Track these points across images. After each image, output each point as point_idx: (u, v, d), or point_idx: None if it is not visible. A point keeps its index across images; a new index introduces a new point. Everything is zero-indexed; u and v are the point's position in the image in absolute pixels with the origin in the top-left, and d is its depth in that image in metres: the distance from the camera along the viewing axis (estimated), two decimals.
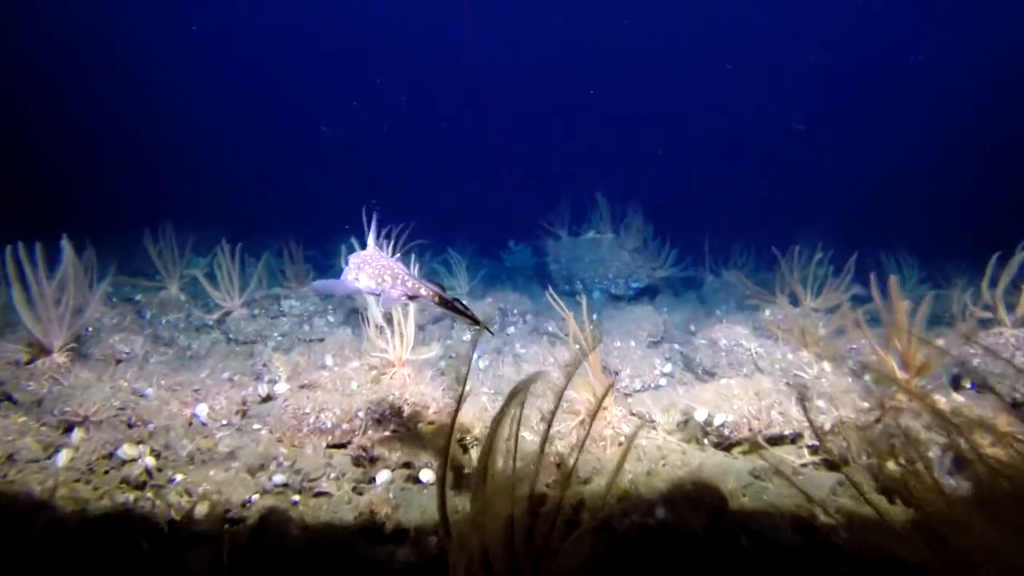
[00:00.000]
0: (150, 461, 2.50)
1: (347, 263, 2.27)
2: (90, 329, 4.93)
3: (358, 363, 4.18)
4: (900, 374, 2.74)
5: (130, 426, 3.05)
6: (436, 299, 2.14)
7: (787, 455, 3.19)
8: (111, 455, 2.55)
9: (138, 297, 6.62)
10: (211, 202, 12.93)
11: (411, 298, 2.18)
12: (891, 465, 2.50)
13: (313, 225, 10.11)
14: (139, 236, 6.93)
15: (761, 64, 16.36)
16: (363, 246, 6.18)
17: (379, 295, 2.15)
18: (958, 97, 15.39)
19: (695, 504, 2.29)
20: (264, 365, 4.23)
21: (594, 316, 7.56)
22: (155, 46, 17.30)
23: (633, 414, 3.85)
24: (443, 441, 3.15)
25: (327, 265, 8.66)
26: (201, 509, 2.20)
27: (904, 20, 15.56)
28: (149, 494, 2.28)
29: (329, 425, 3.08)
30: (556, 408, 2.00)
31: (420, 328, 5.91)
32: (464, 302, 2.18)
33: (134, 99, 16.98)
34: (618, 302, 8.97)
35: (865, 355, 5.43)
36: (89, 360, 4.22)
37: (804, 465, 3.04)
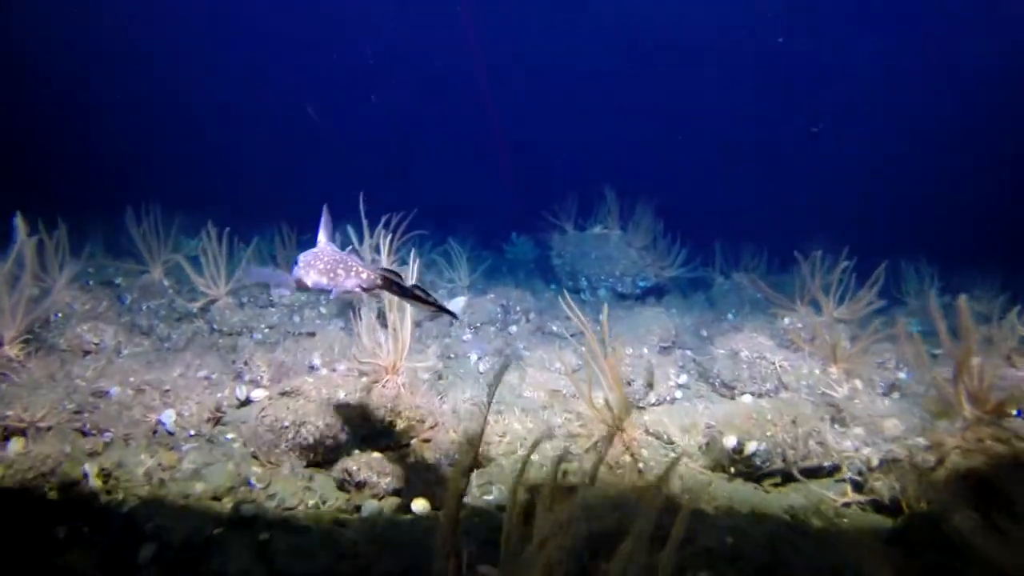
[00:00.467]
0: (95, 484, 2.13)
1: (296, 262, 2.07)
2: (60, 315, 4.55)
3: (348, 366, 3.81)
4: (968, 409, 2.38)
5: (84, 434, 2.68)
6: (394, 289, 1.97)
7: (826, 491, 2.84)
8: (52, 472, 2.18)
9: (119, 280, 6.23)
10: (206, 183, 12.50)
11: (366, 290, 2.01)
12: (961, 518, 2.15)
13: (312, 210, 9.70)
14: (137, 215, 6.50)
15: (778, 63, 15.89)
16: (358, 233, 5.75)
17: (331, 291, 2.00)
18: (976, 100, 14.96)
19: (738, 564, 1.93)
20: (245, 363, 3.85)
21: (600, 316, 7.20)
22: (152, 24, 16.75)
23: (650, 434, 3.48)
24: (440, 468, 2.78)
25: None
26: (147, 551, 1.83)
27: (926, 21, 15.09)
28: (86, 528, 1.91)
29: (311, 441, 2.71)
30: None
31: (417, 324, 5.54)
32: (427, 290, 1.92)
33: (128, 76, 16.46)
34: (624, 301, 8.62)
35: (892, 370, 5.09)
36: (53, 352, 3.84)
37: (847, 505, 2.68)
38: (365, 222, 5.79)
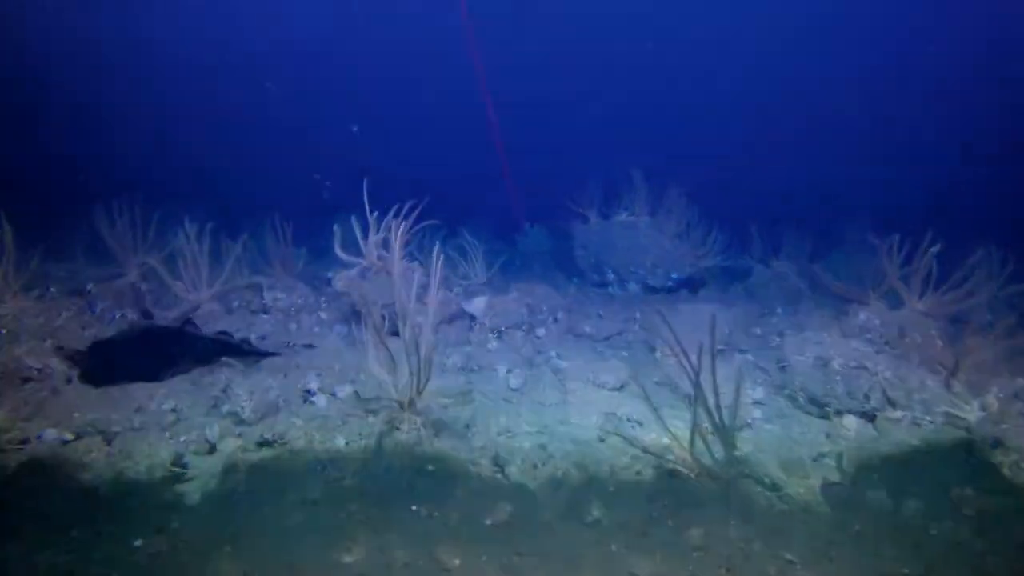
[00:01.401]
0: None
1: None
2: (4, 331, 3.78)
3: (351, 391, 3.02)
4: None
5: None
6: None
7: None
8: None
9: (90, 287, 5.46)
10: (197, 176, 11.72)
11: None
12: None
13: (312, 202, 8.89)
14: (109, 212, 5.73)
15: (822, 36, 14.80)
16: (363, 227, 4.93)
17: None
18: None
19: None
20: (224, 391, 3.06)
21: (636, 315, 6.36)
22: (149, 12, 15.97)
23: (746, 476, 2.67)
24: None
25: (325, 248, 7.51)
26: None
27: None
28: None
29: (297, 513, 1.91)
30: None
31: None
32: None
33: (113, 62, 15.68)
34: (655, 295, 7.82)
35: (1004, 376, 4.24)
36: None
37: None
38: (373, 215, 5.00)
